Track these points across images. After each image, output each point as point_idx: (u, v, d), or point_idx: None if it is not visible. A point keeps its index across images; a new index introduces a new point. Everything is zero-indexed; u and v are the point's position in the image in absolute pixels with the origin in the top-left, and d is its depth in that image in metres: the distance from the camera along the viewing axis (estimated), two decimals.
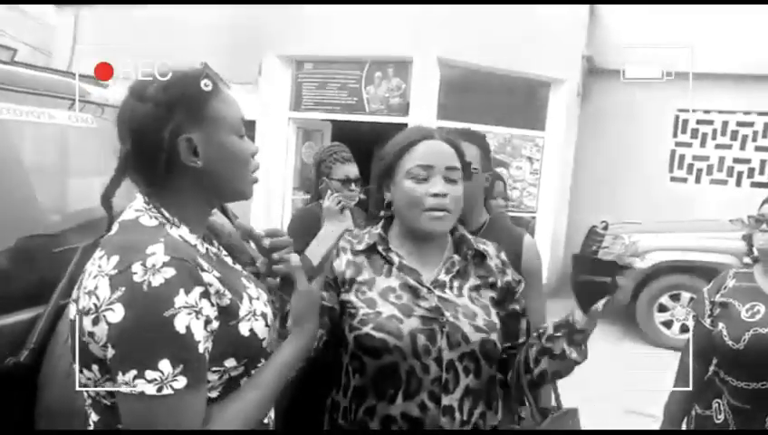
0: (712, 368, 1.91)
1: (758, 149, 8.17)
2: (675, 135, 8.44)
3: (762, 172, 8.14)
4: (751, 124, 8.18)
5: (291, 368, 1.09)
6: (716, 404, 1.88)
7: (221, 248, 1.18)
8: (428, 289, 1.31)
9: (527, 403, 1.38)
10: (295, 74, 7.14)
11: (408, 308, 1.28)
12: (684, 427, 2.01)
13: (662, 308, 5.79)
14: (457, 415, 1.25)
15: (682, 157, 8.46)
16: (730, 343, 1.80)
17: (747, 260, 2.00)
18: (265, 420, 1.11)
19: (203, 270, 0.97)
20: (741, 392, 1.79)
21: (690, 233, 6.05)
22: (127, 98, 1.04)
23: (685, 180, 8.44)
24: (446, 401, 1.24)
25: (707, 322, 1.92)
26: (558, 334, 1.29)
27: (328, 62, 6.96)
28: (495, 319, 1.34)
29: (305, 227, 2.38)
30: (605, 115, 8.32)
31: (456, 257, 1.38)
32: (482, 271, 1.39)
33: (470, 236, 1.42)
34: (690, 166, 8.44)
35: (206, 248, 1.08)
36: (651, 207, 7.79)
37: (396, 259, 1.35)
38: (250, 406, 1.01)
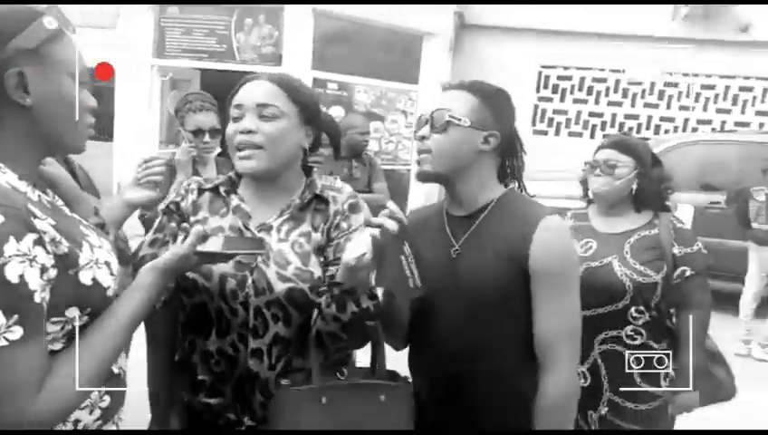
0: None
1: (610, 103, 8.94)
2: (538, 90, 8.98)
3: (613, 125, 8.93)
4: (604, 80, 8.89)
5: (140, 317, 1.06)
6: None
7: (56, 197, 1.11)
8: (252, 233, 1.30)
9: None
10: (158, 18, 6.64)
11: None
12: None
13: None
14: (266, 359, 1.27)
15: (544, 111, 9.05)
16: None
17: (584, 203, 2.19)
18: (116, 370, 1.09)
19: (35, 217, 0.92)
20: None
21: (547, 182, 6.54)
22: None
23: (546, 133, 9.06)
24: (254, 344, 1.26)
25: None
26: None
27: (194, 6, 6.54)
28: (315, 269, 1.29)
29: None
30: (475, 70, 8.63)
31: (296, 202, 1.34)
32: (320, 217, 1.35)
33: (320, 181, 1.41)
34: (551, 119, 9.06)
35: (39, 196, 1.01)
36: None
37: (234, 201, 1.34)
38: (96, 356, 0.98)
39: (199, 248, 1.09)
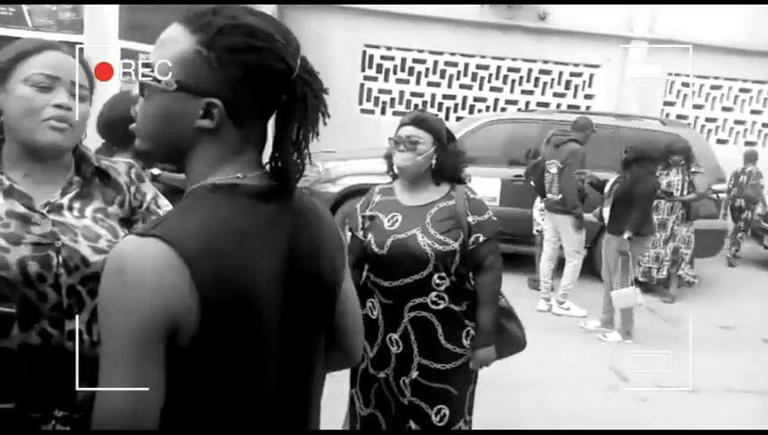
0: (365, 273, 2.18)
1: (429, 84, 9.41)
2: (363, 69, 9.17)
3: (432, 105, 9.42)
4: (423, 61, 9.33)
5: None
6: (370, 303, 2.16)
7: None
8: (42, 214, 1.23)
9: None
10: None
11: (16, 237, 1.19)
12: None
13: None
14: (86, 337, 1.24)
15: (369, 90, 9.27)
16: (376, 249, 2.07)
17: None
18: None
19: None
20: (386, 290, 2.09)
21: (373, 159, 6.73)
22: None
23: (372, 112, 9.31)
24: (70, 325, 1.22)
25: (360, 234, 2.16)
26: None
27: None
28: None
29: None
30: (302, 47, 8.55)
31: (76, 178, 1.31)
32: (110, 191, 1.36)
33: (91, 154, 1.36)
34: (377, 99, 9.32)
35: None
36: (345, 136, 8.41)
37: (5, 182, 1.23)
38: None
39: None
